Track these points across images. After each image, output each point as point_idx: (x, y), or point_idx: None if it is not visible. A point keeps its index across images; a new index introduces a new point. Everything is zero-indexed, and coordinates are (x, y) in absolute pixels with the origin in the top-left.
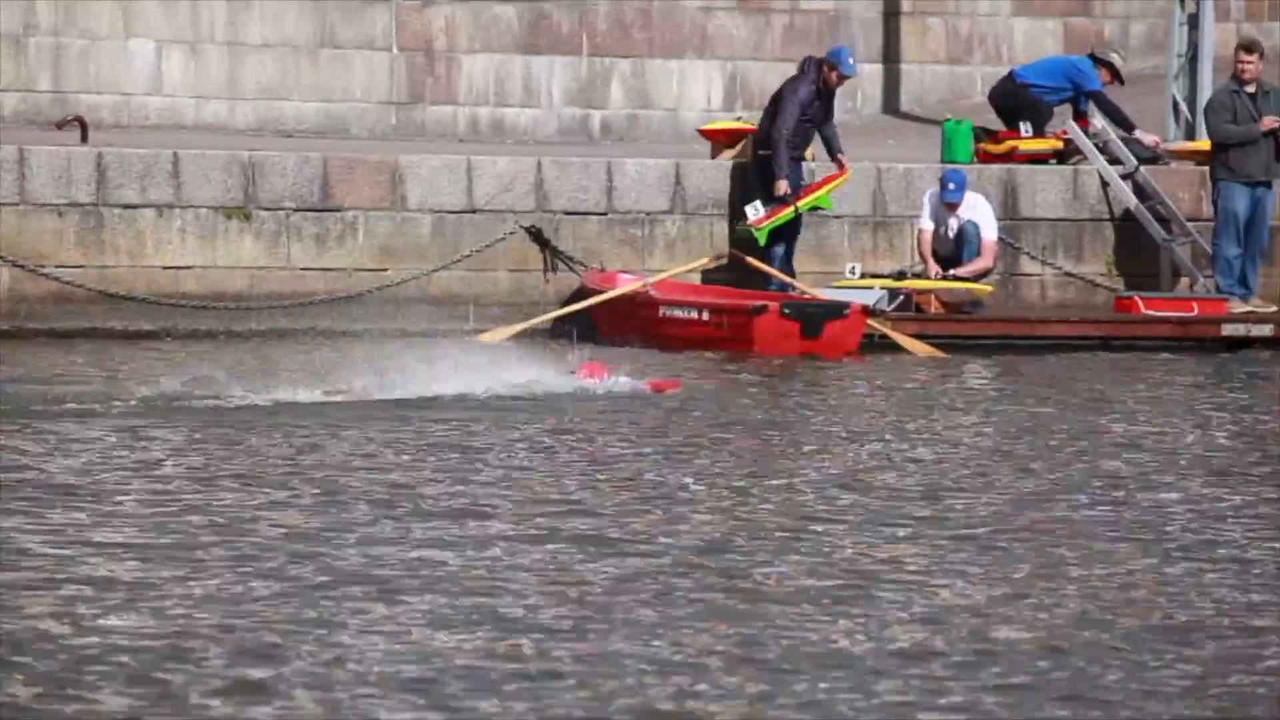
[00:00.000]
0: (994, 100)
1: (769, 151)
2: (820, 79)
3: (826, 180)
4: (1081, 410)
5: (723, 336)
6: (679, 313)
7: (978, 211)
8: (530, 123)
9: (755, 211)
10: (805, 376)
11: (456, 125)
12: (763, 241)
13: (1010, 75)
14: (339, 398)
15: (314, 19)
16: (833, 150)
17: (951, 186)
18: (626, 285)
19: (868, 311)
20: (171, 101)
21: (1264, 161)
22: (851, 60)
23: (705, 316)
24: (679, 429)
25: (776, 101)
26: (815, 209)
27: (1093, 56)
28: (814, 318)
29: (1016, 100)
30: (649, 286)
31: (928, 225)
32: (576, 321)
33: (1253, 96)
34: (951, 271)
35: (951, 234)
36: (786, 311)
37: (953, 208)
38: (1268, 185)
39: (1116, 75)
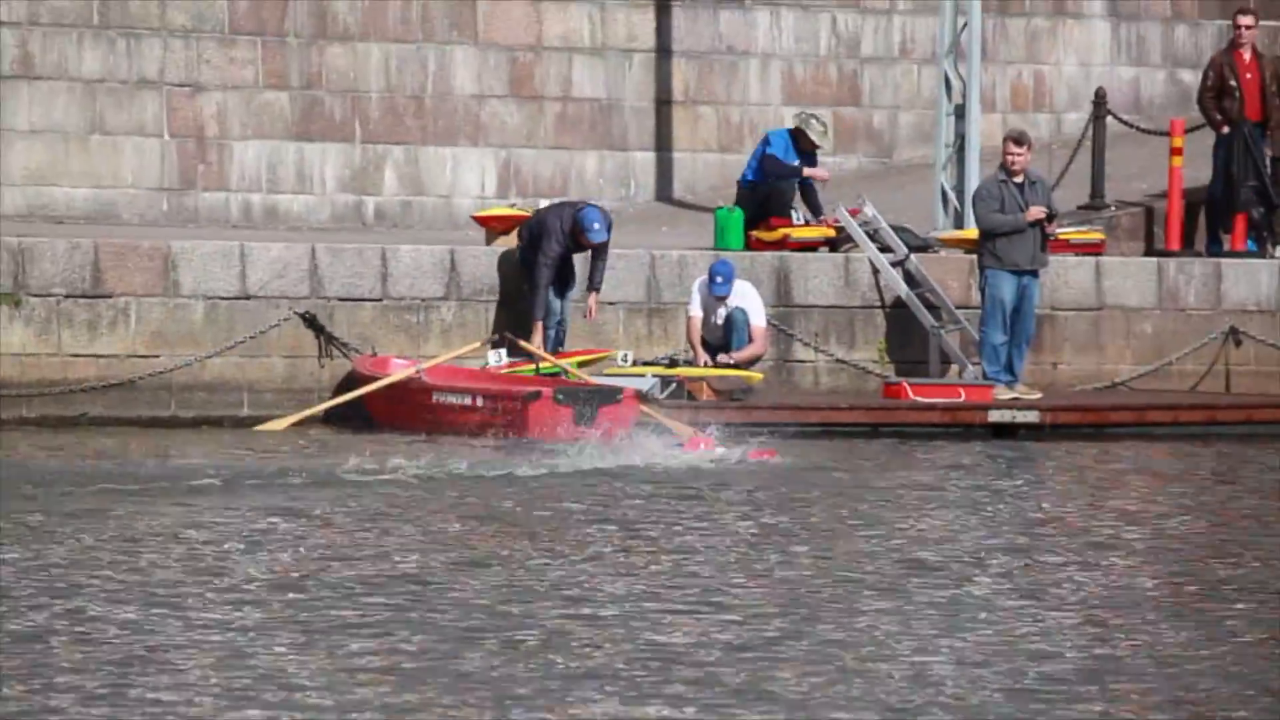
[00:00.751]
0: (741, 204)
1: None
2: (571, 236)
3: (584, 352)
4: (841, 498)
5: (497, 422)
6: (453, 399)
7: (746, 299)
8: (303, 209)
9: (498, 359)
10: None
11: (229, 211)
12: None
13: (738, 183)
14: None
15: (84, 105)
16: (591, 282)
17: (719, 280)
18: (399, 371)
19: (640, 397)
20: None
21: (1030, 251)
22: (599, 225)
23: (479, 402)
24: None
25: (538, 230)
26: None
27: (791, 130)
28: (588, 403)
29: (755, 198)
30: (422, 372)
31: (696, 313)
32: (351, 408)
33: (1020, 186)
34: (722, 357)
35: (720, 321)
36: (560, 397)
37: (721, 299)
38: (1034, 274)
39: (812, 143)
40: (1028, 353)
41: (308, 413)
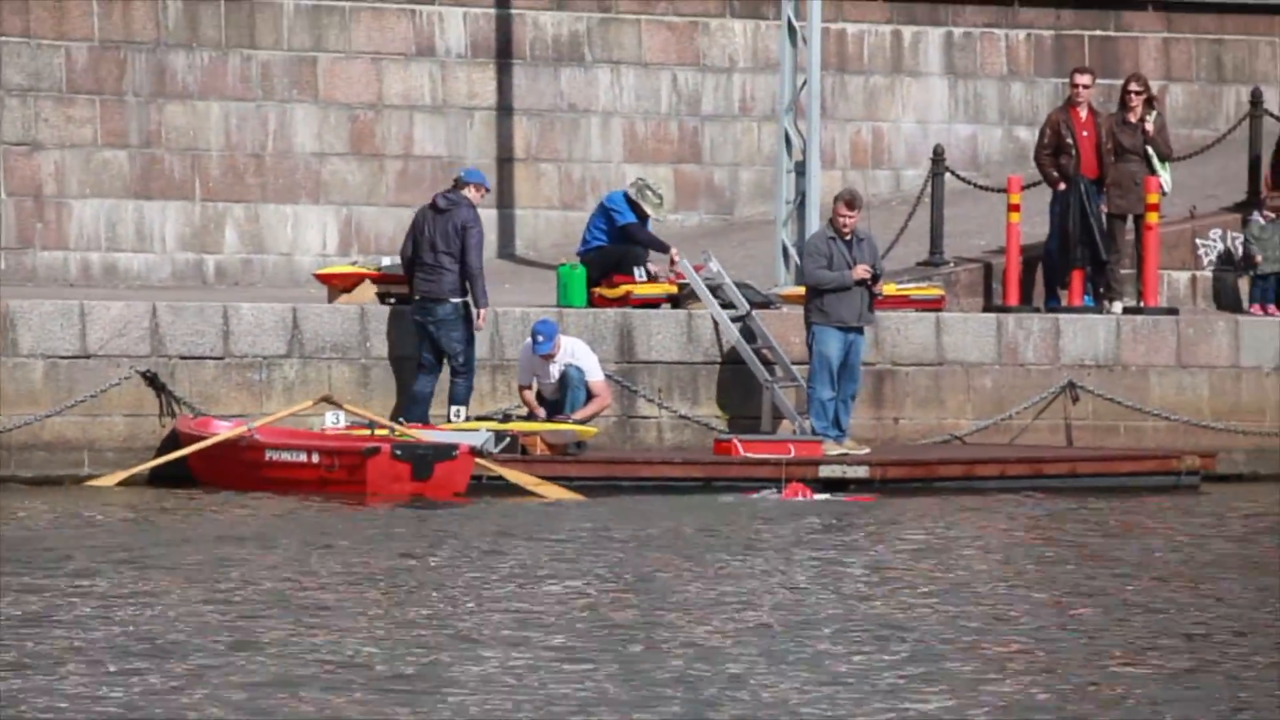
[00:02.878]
0: (588, 267)
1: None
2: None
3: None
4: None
5: (335, 479)
6: (287, 456)
7: (578, 356)
8: (143, 267)
9: (335, 420)
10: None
11: (68, 270)
12: None
13: (582, 252)
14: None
15: None
16: (479, 301)
17: (540, 339)
18: (226, 430)
19: (475, 452)
20: None
21: (856, 308)
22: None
23: (315, 459)
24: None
25: (463, 233)
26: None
27: (626, 195)
28: (424, 459)
29: (605, 260)
30: (253, 431)
31: (525, 382)
32: (175, 468)
33: (848, 243)
34: (565, 415)
35: (554, 381)
36: (398, 453)
37: (549, 358)
38: (860, 330)
39: (645, 213)
40: (854, 408)
41: (134, 470)
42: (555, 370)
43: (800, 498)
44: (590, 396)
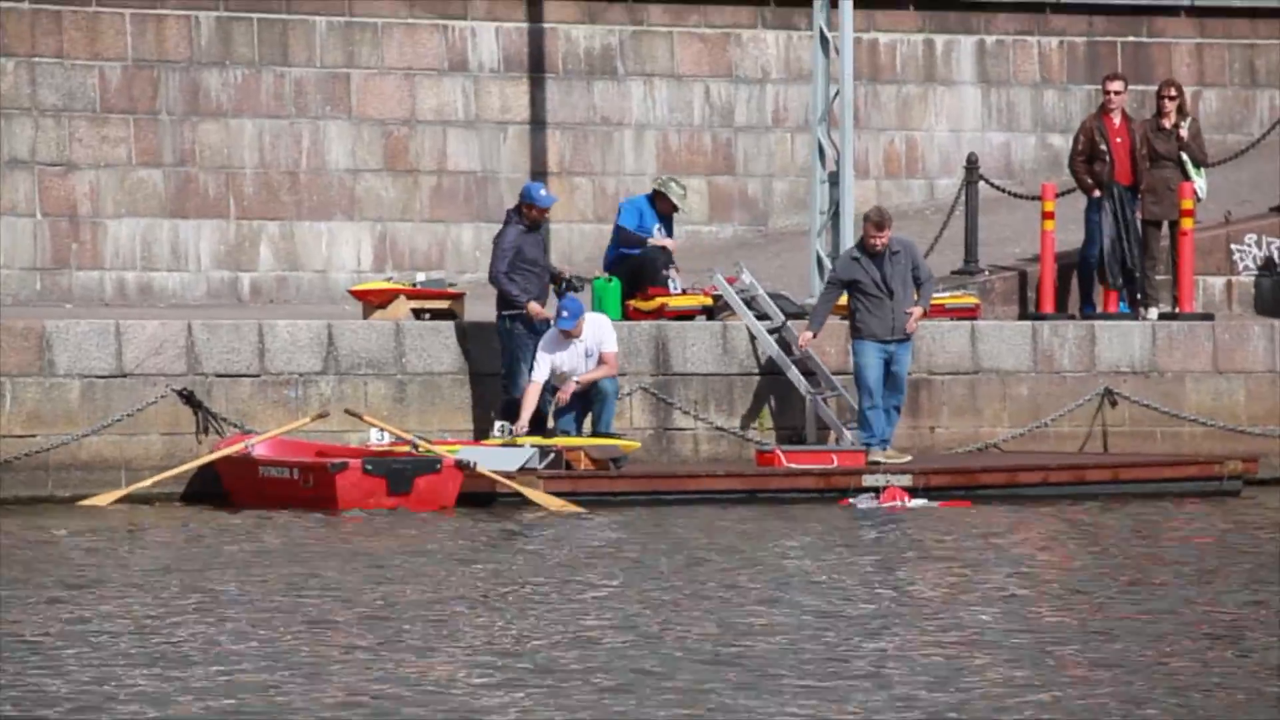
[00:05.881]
0: (616, 275)
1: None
2: (525, 218)
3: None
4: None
5: (308, 495)
6: (274, 472)
7: (601, 331)
8: (179, 286)
9: (379, 436)
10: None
11: (104, 290)
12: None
13: (605, 267)
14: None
15: None
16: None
17: (565, 314)
18: (226, 447)
19: (463, 466)
20: None
21: (888, 323)
22: (544, 192)
23: (295, 475)
24: None
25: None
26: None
27: (650, 195)
28: (402, 473)
29: (624, 269)
30: (250, 447)
31: (540, 377)
32: (206, 484)
33: (878, 259)
34: (576, 378)
35: (575, 369)
36: (369, 468)
37: (570, 335)
38: (902, 342)
39: (673, 205)
40: (898, 418)
41: (130, 489)
42: (579, 352)
43: (898, 502)
44: (601, 368)
